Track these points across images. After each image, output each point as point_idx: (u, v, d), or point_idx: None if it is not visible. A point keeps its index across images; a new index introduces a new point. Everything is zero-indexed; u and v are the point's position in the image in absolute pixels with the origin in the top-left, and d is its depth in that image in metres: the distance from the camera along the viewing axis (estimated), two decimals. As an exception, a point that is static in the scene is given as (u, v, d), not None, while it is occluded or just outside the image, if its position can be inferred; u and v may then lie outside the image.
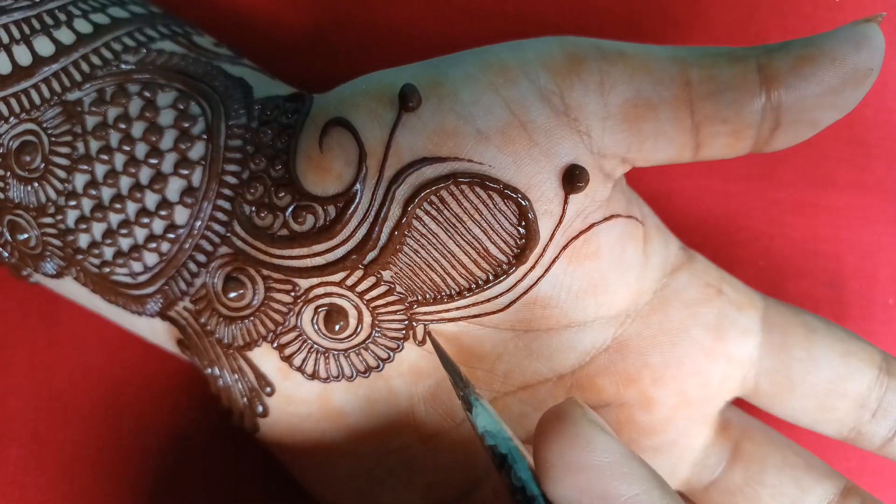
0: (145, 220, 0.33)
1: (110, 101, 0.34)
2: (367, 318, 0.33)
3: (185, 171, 0.33)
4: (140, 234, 0.34)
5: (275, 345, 0.34)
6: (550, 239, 0.31)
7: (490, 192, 0.30)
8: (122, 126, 0.34)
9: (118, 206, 0.34)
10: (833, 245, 0.44)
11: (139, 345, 0.39)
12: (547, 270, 0.32)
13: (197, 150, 0.33)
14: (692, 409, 0.34)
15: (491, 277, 0.31)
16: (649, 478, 0.27)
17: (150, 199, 0.33)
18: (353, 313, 0.33)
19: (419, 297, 0.32)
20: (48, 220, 0.34)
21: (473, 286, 0.32)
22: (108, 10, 0.35)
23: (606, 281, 0.33)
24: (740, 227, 0.44)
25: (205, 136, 0.33)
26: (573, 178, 0.30)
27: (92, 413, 0.42)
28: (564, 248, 0.32)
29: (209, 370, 0.35)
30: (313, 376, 0.34)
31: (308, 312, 0.33)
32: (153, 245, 0.34)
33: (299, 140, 0.32)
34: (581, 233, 0.32)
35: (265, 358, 0.34)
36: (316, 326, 0.33)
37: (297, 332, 0.33)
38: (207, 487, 0.42)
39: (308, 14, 0.45)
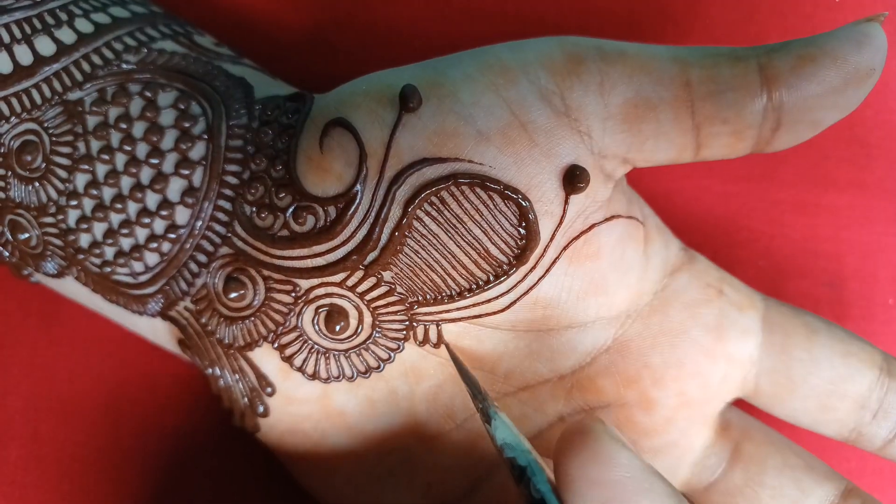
0: (146, 220, 0.33)
1: (111, 101, 0.34)
2: (368, 319, 0.33)
3: (186, 171, 0.33)
4: (141, 233, 0.34)
5: (275, 345, 0.34)
6: (551, 239, 0.31)
7: (490, 193, 0.30)
8: (123, 126, 0.34)
9: (119, 205, 0.34)
10: (833, 245, 0.44)
11: (139, 345, 0.39)
12: (547, 271, 0.32)
13: (198, 150, 0.33)
14: (692, 409, 0.34)
15: (491, 278, 0.31)
16: (670, 494, 0.27)
17: (151, 199, 0.33)
18: (353, 314, 0.33)
19: (420, 298, 0.32)
20: (49, 219, 0.34)
21: (474, 287, 0.32)
22: (109, 10, 0.35)
23: (607, 282, 0.33)
24: (740, 227, 0.44)
25: (205, 136, 0.33)
26: (574, 179, 0.30)
27: (92, 413, 0.42)
28: (565, 248, 0.32)
29: (210, 370, 0.35)
30: (314, 376, 0.34)
31: (309, 313, 0.33)
32: (154, 245, 0.34)
33: (300, 140, 0.32)
34: (582, 233, 0.32)
35: (266, 358, 0.34)
36: (316, 327, 0.33)
37: (297, 332, 0.33)
38: (208, 487, 0.42)
39: (308, 14, 0.45)
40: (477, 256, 0.31)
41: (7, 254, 0.36)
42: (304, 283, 0.33)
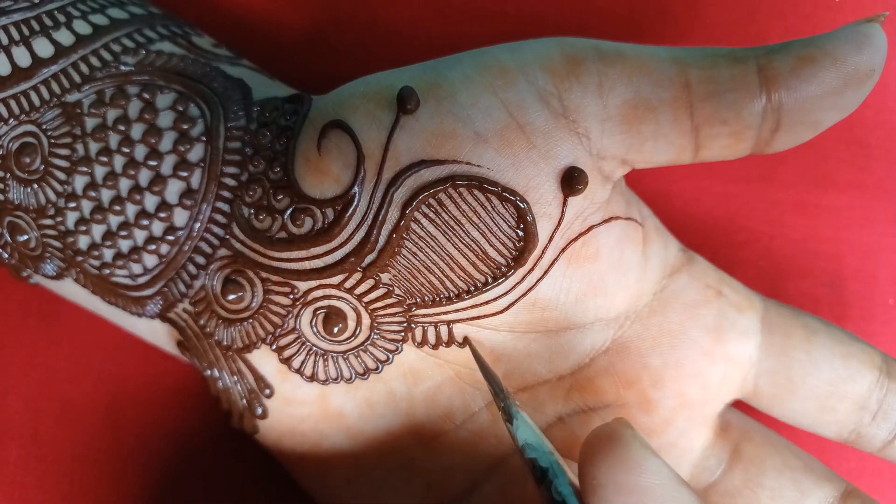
0: (144, 222, 0.33)
1: (109, 103, 0.34)
2: (366, 321, 0.33)
3: (185, 173, 0.33)
4: (139, 235, 0.34)
5: (274, 347, 0.34)
6: (549, 241, 0.31)
7: (488, 195, 0.30)
8: (122, 128, 0.34)
9: (118, 207, 0.34)
10: (833, 245, 0.44)
11: (139, 345, 0.39)
12: (546, 273, 0.32)
13: (196, 152, 0.33)
14: (692, 410, 0.34)
15: (490, 280, 0.31)
16: (696, 503, 0.27)
17: (150, 201, 0.33)
18: (351, 315, 0.33)
19: (418, 300, 0.32)
20: (48, 221, 0.34)
21: (472, 288, 0.32)
22: (107, 12, 0.35)
23: (606, 283, 0.33)
24: (740, 227, 0.44)
25: (204, 138, 0.33)
26: (572, 181, 0.30)
27: (92, 413, 0.42)
28: (563, 250, 0.31)
29: (208, 372, 0.35)
30: (312, 378, 0.34)
31: (307, 315, 0.33)
32: (152, 247, 0.34)
33: (298, 142, 0.32)
34: (580, 235, 0.32)
35: (264, 360, 0.34)
36: (315, 329, 0.33)
37: (295, 334, 0.33)
38: (207, 487, 0.42)
39: (308, 14, 0.45)
40: (475, 258, 0.31)
41: (6, 255, 0.36)
42: (303, 285, 0.33)
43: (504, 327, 0.33)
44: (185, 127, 0.33)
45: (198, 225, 0.33)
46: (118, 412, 0.42)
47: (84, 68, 0.34)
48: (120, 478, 0.42)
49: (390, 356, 0.34)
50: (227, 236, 0.33)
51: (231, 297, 0.33)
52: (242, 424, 0.36)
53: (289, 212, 0.32)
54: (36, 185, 0.34)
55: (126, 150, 0.33)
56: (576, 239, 0.32)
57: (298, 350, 0.34)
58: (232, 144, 0.33)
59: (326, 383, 0.34)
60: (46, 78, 0.34)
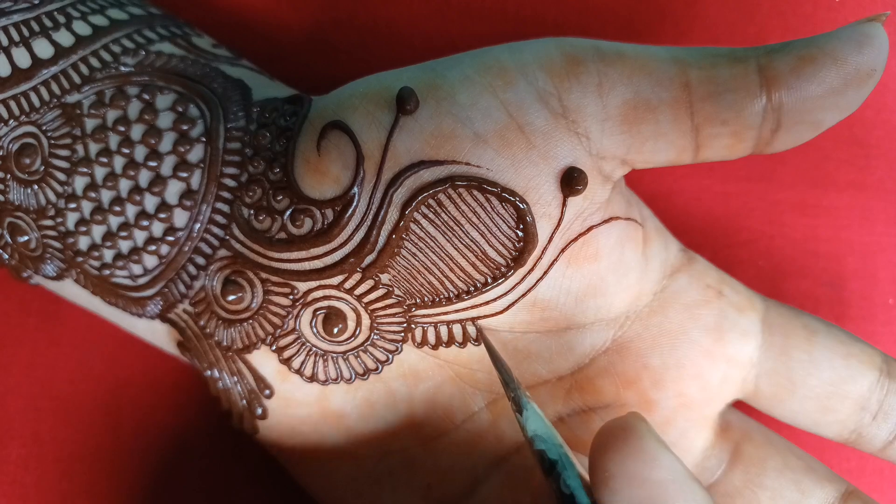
0: (144, 223, 0.33)
1: (109, 104, 0.34)
2: (366, 321, 0.33)
3: (184, 174, 0.33)
4: (139, 236, 0.34)
5: (273, 347, 0.34)
6: (549, 242, 0.31)
7: (488, 196, 0.30)
8: (122, 128, 0.34)
9: (118, 208, 0.34)
10: (833, 245, 0.44)
11: (139, 345, 0.39)
12: (545, 273, 0.32)
13: (196, 153, 0.33)
14: (692, 411, 0.34)
15: (489, 280, 0.31)
16: (708, 500, 0.27)
17: (150, 202, 0.33)
18: (351, 316, 0.33)
19: (417, 300, 0.32)
20: (48, 222, 0.35)
21: (472, 289, 0.32)
22: (106, 12, 0.35)
23: (606, 283, 0.33)
24: (740, 227, 0.44)
25: (203, 139, 0.33)
26: (572, 181, 0.30)
27: (92, 413, 0.42)
28: (563, 250, 0.31)
29: (209, 372, 0.35)
30: (312, 379, 0.34)
31: (307, 315, 0.33)
32: (153, 248, 0.34)
33: (297, 143, 0.32)
34: (580, 235, 0.32)
35: (264, 360, 0.34)
36: (314, 329, 0.33)
37: (295, 334, 0.33)
38: (207, 487, 0.42)
39: (308, 14, 0.45)
40: (475, 259, 0.31)
41: (7, 256, 0.36)
42: (302, 286, 0.33)
43: (504, 328, 0.33)
44: (185, 128, 0.33)
45: (198, 226, 0.33)
46: (118, 412, 0.42)
47: (84, 69, 0.34)
48: (120, 477, 0.42)
49: (390, 356, 0.34)
50: (227, 237, 0.33)
51: (231, 297, 0.33)
52: (242, 425, 0.36)
53: (288, 212, 0.32)
54: (36, 186, 0.34)
55: (126, 150, 0.33)
56: (575, 239, 0.32)
57: (298, 350, 0.34)
58: (231, 145, 0.33)
59: (326, 384, 0.34)
60: (46, 79, 0.34)
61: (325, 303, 0.33)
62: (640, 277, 0.34)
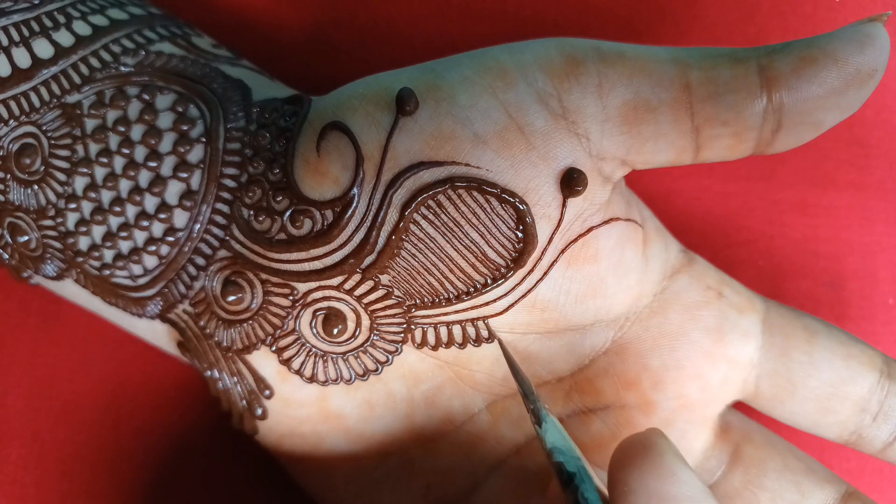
0: (145, 223, 0.33)
1: (109, 104, 0.34)
2: (366, 322, 0.33)
3: (184, 175, 0.33)
4: (139, 236, 0.34)
5: (273, 348, 0.34)
6: (549, 243, 0.31)
7: (487, 197, 0.30)
8: (122, 129, 0.34)
9: (118, 208, 0.34)
10: (833, 245, 0.44)
11: (139, 345, 0.39)
12: (545, 274, 0.32)
13: (196, 154, 0.33)
14: (692, 412, 0.34)
15: (489, 281, 0.31)
16: None
17: (150, 203, 0.33)
18: (351, 317, 0.33)
19: (417, 301, 0.32)
20: (48, 222, 0.35)
21: (472, 290, 0.32)
22: (106, 12, 0.35)
23: (606, 284, 0.33)
24: (740, 227, 0.44)
25: (203, 140, 0.33)
26: (571, 182, 0.30)
27: (92, 413, 0.42)
28: (563, 251, 0.31)
29: (209, 373, 0.35)
30: (312, 379, 0.34)
31: (306, 316, 0.33)
32: (153, 248, 0.34)
33: (297, 144, 0.32)
34: (580, 236, 0.31)
35: (264, 361, 0.34)
36: (314, 330, 0.33)
37: (295, 335, 0.33)
38: (207, 487, 0.42)
39: (308, 14, 0.45)
40: (474, 260, 0.31)
41: (7, 256, 0.36)
42: (302, 287, 0.33)
43: (503, 329, 0.33)
44: (185, 128, 0.33)
45: (198, 226, 0.33)
46: (118, 412, 0.42)
47: (84, 69, 0.34)
48: (120, 477, 0.42)
49: (390, 357, 0.34)
50: (227, 237, 0.33)
51: (231, 298, 0.33)
52: (242, 425, 0.36)
53: (288, 213, 0.32)
54: (36, 186, 0.34)
55: (126, 151, 0.33)
56: (575, 240, 0.31)
57: (298, 351, 0.34)
58: (231, 146, 0.33)
59: (326, 384, 0.34)
60: (46, 79, 0.34)
61: (325, 303, 0.33)
62: (641, 278, 0.34)
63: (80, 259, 0.35)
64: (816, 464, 0.35)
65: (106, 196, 0.34)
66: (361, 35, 0.45)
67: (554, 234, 0.31)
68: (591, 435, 0.34)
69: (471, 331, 0.33)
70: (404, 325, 0.33)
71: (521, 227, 0.30)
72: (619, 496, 0.27)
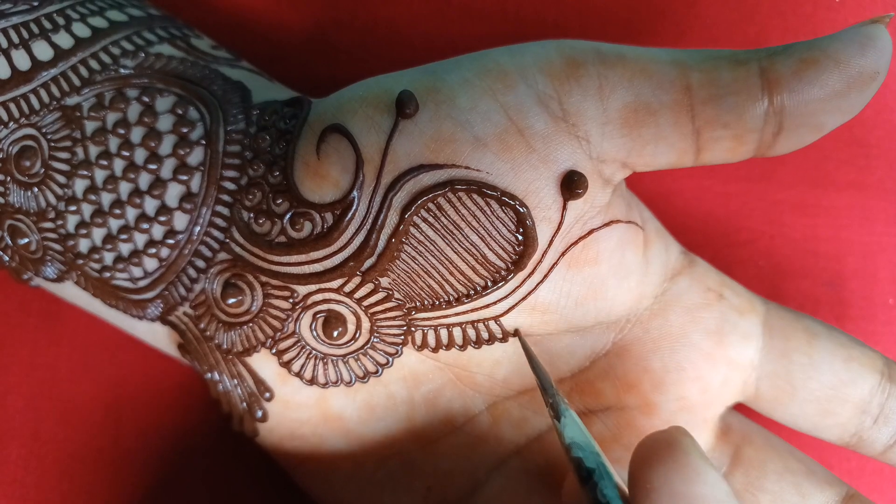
0: (145, 226, 0.33)
1: (109, 106, 0.34)
2: (366, 324, 0.33)
3: (184, 177, 0.33)
4: (140, 239, 0.34)
5: (273, 350, 0.34)
6: (549, 245, 0.31)
7: (487, 199, 0.30)
8: (121, 131, 0.34)
9: (118, 211, 0.34)
10: (833, 245, 0.44)
11: (139, 345, 0.39)
12: (546, 276, 0.31)
13: (196, 156, 0.33)
14: (692, 413, 0.34)
15: (489, 284, 0.31)
16: None
17: (150, 205, 0.33)
18: (351, 319, 0.33)
19: (417, 304, 0.32)
20: (48, 224, 0.35)
21: (472, 292, 0.32)
22: (106, 14, 0.35)
23: (606, 286, 0.32)
24: (740, 227, 0.44)
25: (203, 142, 0.33)
26: (572, 185, 0.30)
27: (92, 413, 0.42)
28: (563, 254, 0.31)
29: (209, 375, 0.35)
30: (312, 381, 0.34)
31: (306, 318, 0.33)
32: (153, 250, 0.34)
33: (297, 146, 0.32)
34: (580, 239, 0.31)
35: (264, 363, 0.34)
36: (315, 332, 0.33)
37: (295, 338, 0.33)
38: (207, 488, 0.42)
39: (308, 14, 0.45)
40: (474, 262, 0.31)
41: (7, 258, 0.36)
42: (302, 289, 0.33)
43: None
44: (185, 130, 0.33)
45: (198, 228, 0.33)
46: (118, 412, 0.42)
47: (83, 71, 0.34)
48: (119, 477, 0.42)
49: (390, 359, 0.34)
50: (227, 240, 0.33)
51: (231, 300, 0.33)
52: (243, 427, 0.36)
53: (288, 216, 0.32)
54: (36, 189, 0.34)
55: (126, 153, 0.33)
56: (576, 243, 0.31)
57: (298, 354, 0.34)
58: (231, 148, 0.33)
59: (326, 387, 0.34)
60: (46, 81, 0.34)
61: (325, 306, 0.33)
62: (641, 280, 0.34)
63: (81, 261, 0.35)
64: (817, 466, 0.35)
65: (106, 198, 0.34)
66: (362, 35, 0.45)
67: (554, 236, 0.31)
68: (592, 436, 0.34)
69: (471, 333, 0.33)
70: (404, 328, 0.33)
71: (521, 230, 0.30)
72: (641, 494, 0.26)
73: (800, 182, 0.44)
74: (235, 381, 0.35)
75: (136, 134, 0.34)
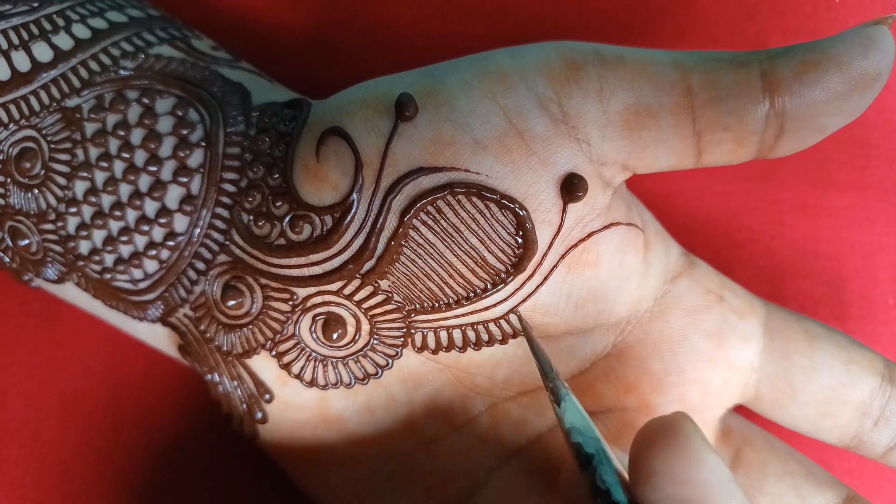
0: (145, 228, 0.33)
1: (109, 108, 0.34)
2: (366, 327, 0.33)
3: (184, 179, 0.33)
4: (140, 241, 0.34)
5: (273, 352, 0.34)
6: (549, 248, 0.31)
7: (487, 202, 0.30)
8: (121, 133, 0.34)
9: (118, 213, 0.34)
10: (833, 245, 0.44)
11: (140, 345, 0.39)
12: (546, 279, 0.31)
13: (196, 158, 0.33)
14: (693, 415, 0.33)
15: (489, 286, 0.31)
16: None
17: (150, 207, 0.33)
18: (351, 322, 0.33)
19: (417, 306, 0.32)
20: (49, 226, 0.35)
21: (471, 295, 0.32)
22: (105, 15, 0.35)
23: (606, 289, 0.32)
24: (740, 227, 0.44)
25: (203, 144, 0.33)
26: (572, 188, 0.30)
27: (92, 413, 0.42)
28: (563, 256, 0.31)
29: (209, 376, 0.35)
30: (312, 383, 0.34)
31: (306, 321, 0.33)
32: (153, 252, 0.34)
33: (296, 149, 0.32)
34: (580, 241, 0.31)
35: (264, 365, 0.34)
36: (314, 335, 0.33)
37: (295, 340, 0.33)
38: (207, 488, 0.42)
39: (309, 15, 0.45)
40: (474, 265, 0.31)
41: (7, 259, 0.36)
42: (302, 292, 0.33)
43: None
44: (185, 132, 0.33)
45: (198, 230, 0.33)
46: (118, 412, 0.42)
47: (83, 73, 0.34)
48: (119, 477, 0.42)
49: (390, 361, 0.34)
50: (227, 242, 0.33)
51: (231, 303, 0.33)
52: (243, 429, 0.36)
53: (287, 219, 0.32)
54: (36, 191, 0.34)
55: (126, 155, 0.33)
56: (576, 245, 0.31)
57: (298, 356, 0.34)
58: (231, 150, 0.33)
59: (326, 388, 0.34)
60: (46, 82, 0.34)
61: (325, 308, 0.33)
62: (641, 283, 0.34)
63: (81, 263, 0.35)
64: (817, 468, 0.35)
65: (106, 200, 0.34)
66: (362, 36, 0.44)
67: (554, 239, 0.31)
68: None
69: (471, 335, 0.33)
70: (404, 330, 0.33)
71: (520, 233, 0.30)
72: (641, 478, 0.26)
73: (800, 182, 0.44)
74: (235, 382, 0.35)
75: (137, 136, 0.34)
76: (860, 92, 0.28)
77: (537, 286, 0.32)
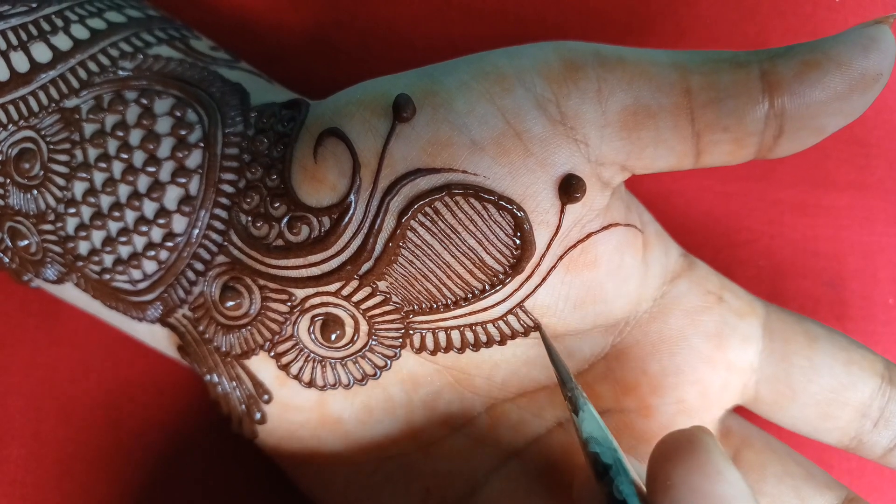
0: (144, 229, 0.33)
1: (108, 109, 0.34)
2: (364, 328, 0.33)
3: (183, 180, 0.33)
4: (139, 242, 0.34)
5: (272, 353, 0.34)
6: (547, 249, 0.31)
7: (485, 203, 0.30)
8: (120, 134, 0.34)
9: (117, 214, 0.34)
10: (833, 245, 0.44)
11: (140, 345, 0.39)
12: (544, 280, 0.31)
13: (194, 159, 0.33)
14: (691, 416, 0.34)
15: (487, 287, 0.31)
16: None
17: (149, 208, 0.33)
18: (349, 322, 0.33)
19: (415, 307, 0.32)
20: (48, 226, 0.35)
21: (469, 296, 0.32)
22: (104, 15, 0.35)
23: (605, 290, 0.32)
24: (740, 227, 0.44)
25: (202, 145, 0.33)
26: (570, 189, 0.30)
27: (92, 413, 0.42)
28: (561, 257, 0.31)
29: (208, 377, 0.35)
30: (310, 384, 0.34)
31: (304, 322, 0.33)
32: (152, 253, 0.34)
33: (294, 150, 0.32)
34: (578, 242, 0.31)
35: (263, 366, 0.34)
36: (313, 336, 0.33)
37: (293, 341, 0.33)
38: (207, 488, 0.42)
39: (309, 15, 0.44)
40: (472, 266, 0.31)
41: (7, 260, 0.36)
42: (300, 293, 0.33)
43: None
44: (183, 133, 0.33)
45: (196, 231, 0.33)
46: (118, 412, 0.42)
47: (82, 73, 0.34)
48: (119, 477, 0.42)
49: (388, 362, 0.34)
50: (226, 243, 0.33)
51: (229, 303, 0.33)
52: (242, 429, 0.36)
53: (285, 220, 0.32)
54: (36, 191, 0.34)
55: (125, 155, 0.33)
56: (574, 246, 0.31)
57: (296, 357, 0.34)
58: (230, 151, 0.33)
59: (325, 389, 0.34)
60: (45, 83, 0.34)
61: (323, 309, 0.33)
62: (640, 284, 0.34)
63: (81, 263, 0.35)
64: (817, 469, 0.35)
65: (105, 201, 0.34)
66: (362, 36, 0.44)
67: (552, 240, 0.31)
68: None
69: (469, 336, 0.33)
70: (402, 331, 0.33)
71: (518, 234, 0.30)
72: (659, 491, 0.26)
73: (800, 182, 0.44)
74: (234, 383, 0.35)
75: (135, 136, 0.33)
76: (860, 92, 0.28)
77: (535, 287, 0.31)
